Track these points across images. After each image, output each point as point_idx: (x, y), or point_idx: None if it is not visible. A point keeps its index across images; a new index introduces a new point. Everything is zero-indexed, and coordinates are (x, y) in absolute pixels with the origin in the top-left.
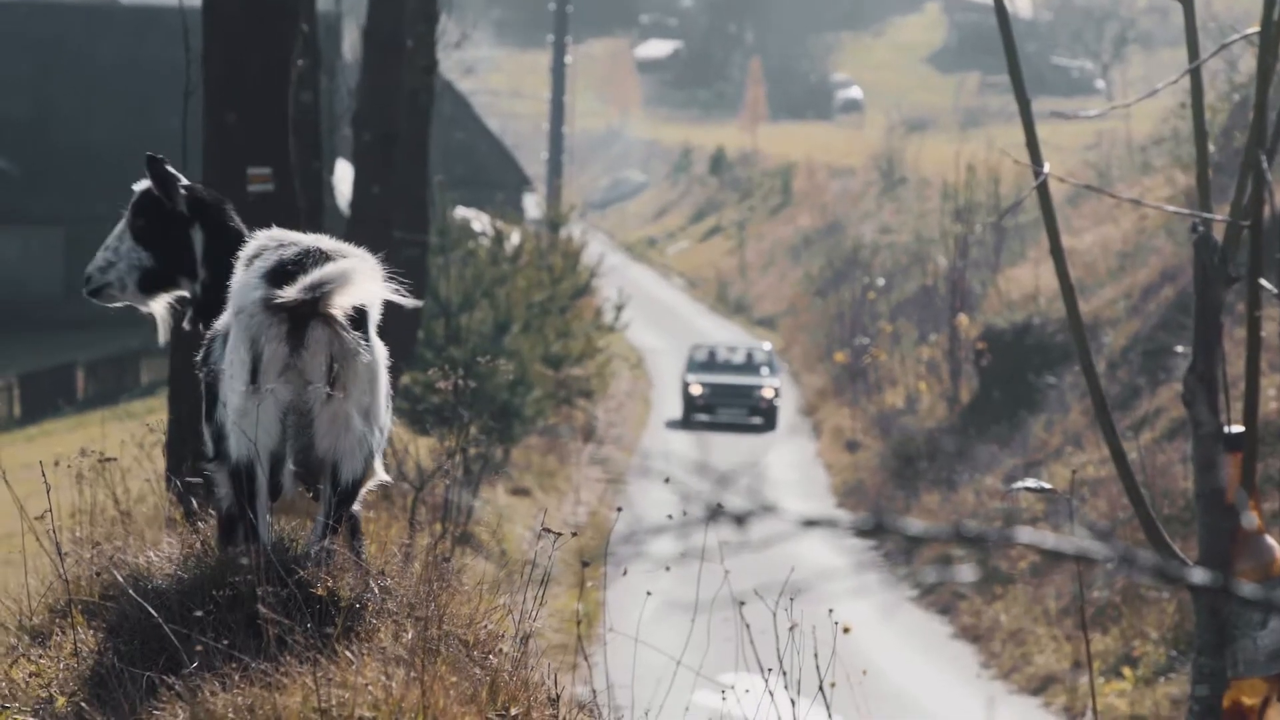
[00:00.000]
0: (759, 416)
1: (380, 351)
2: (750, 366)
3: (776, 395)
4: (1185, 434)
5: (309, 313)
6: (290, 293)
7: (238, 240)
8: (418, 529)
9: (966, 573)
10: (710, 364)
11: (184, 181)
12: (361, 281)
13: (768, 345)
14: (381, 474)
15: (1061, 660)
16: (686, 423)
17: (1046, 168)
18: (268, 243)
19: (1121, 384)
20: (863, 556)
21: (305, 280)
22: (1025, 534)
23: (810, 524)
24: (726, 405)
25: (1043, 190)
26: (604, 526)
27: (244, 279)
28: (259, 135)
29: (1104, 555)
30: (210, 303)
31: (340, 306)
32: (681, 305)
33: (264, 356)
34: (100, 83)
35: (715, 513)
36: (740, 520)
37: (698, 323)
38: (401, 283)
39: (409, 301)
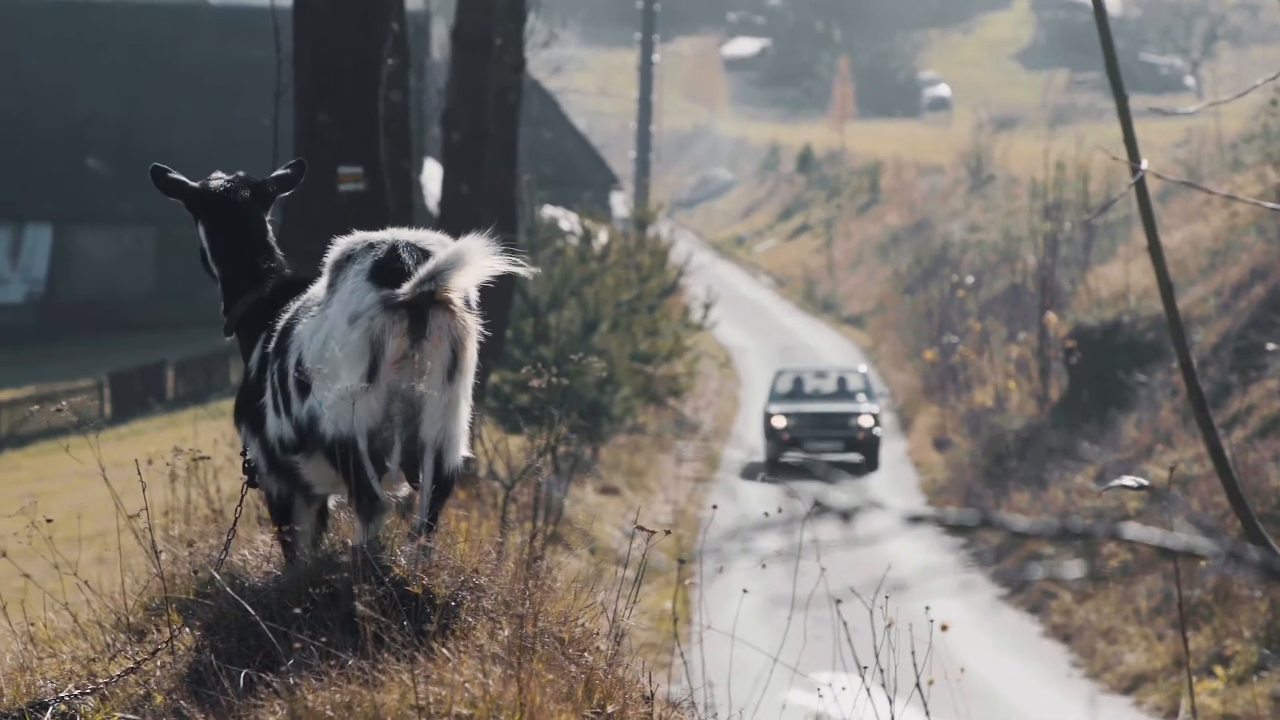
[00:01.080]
0: (856, 451)
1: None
2: (843, 393)
3: (876, 424)
4: (1278, 432)
5: (427, 303)
6: (408, 288)
7: (247, 233)
8: (509, 527)
9: (1074, 569)
10: (796, 393)
11: (217, 176)
12: (474, 260)
13: (863, 368)
14: (465, 451)
15: (1153, 660)
16: (772, 467)
17: (1145, 164)
18: (352, 246)
19: (1212, 382)
20: (952, 556)
21: (420, 273)
22: (1132, 529)
23: (915, 520)
24: (817, 438)
25: (1140, 187)
26: (694, 524)
27: (349, 285)
28: (350, 134)
29: (1211, 551)
30: (226, 295)
31: (458, 290)
32: (769, 303)
33: (385, 354)
34: (188, 82)
35: (819, 508)
36: (845, 516)
37: (785, 321)
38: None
39: (525, 269)
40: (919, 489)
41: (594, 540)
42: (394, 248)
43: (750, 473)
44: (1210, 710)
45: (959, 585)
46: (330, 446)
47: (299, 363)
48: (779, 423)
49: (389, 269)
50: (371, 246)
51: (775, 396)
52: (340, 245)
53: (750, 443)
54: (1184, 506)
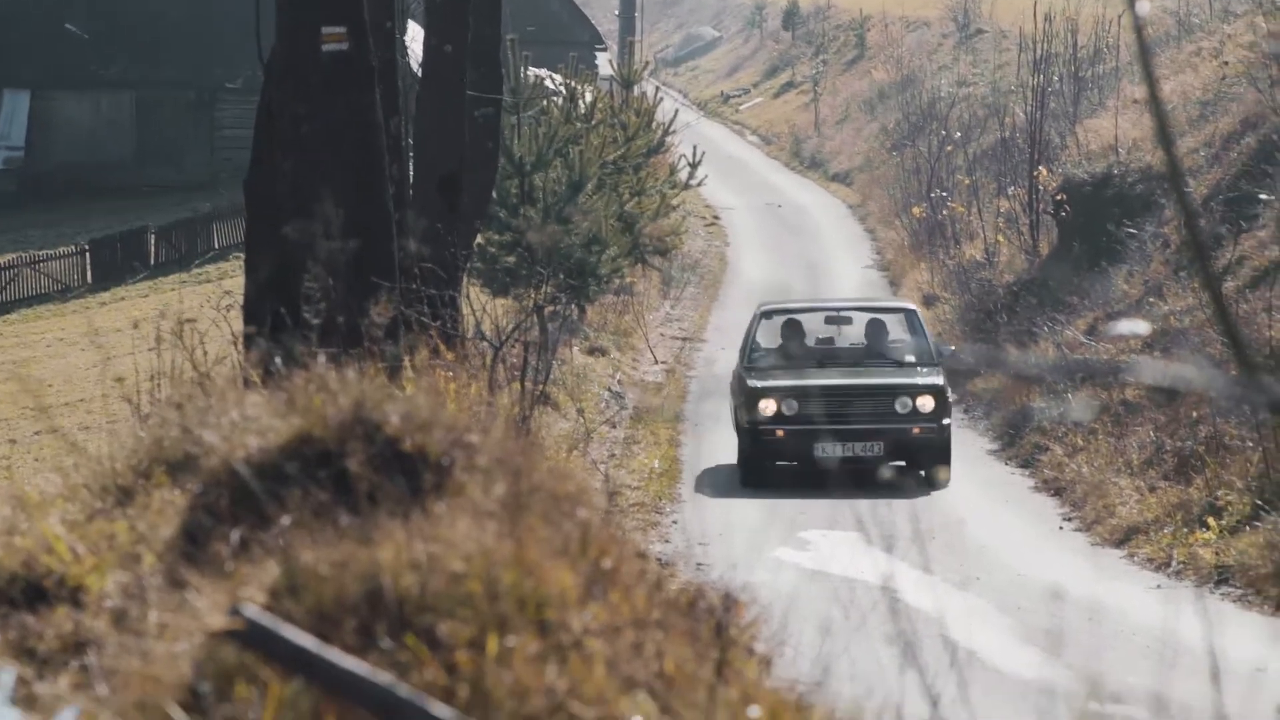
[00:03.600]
0: (907, 458)
1: None
2: (881, 352)
3: (942, 408)
4: (1269, 282)
5: None
6: None
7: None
8: (497, 388)
9: (1082, 410)
10: (796, 352)
11: None
12: None
13: (910, 303)
14: None
15: (1145, 512)
16: (758, 475)
17: (1145, 5)
18: None
19: (1203, 233)
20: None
21: None
22: (1146, 366)
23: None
24: (838, 437)
25: (1139, 33)
26: (682, 384)
27: None
28: None
29: (1222, 386)
30: None
31: None
32: (756, 161)
33: None
34: None
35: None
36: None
37: (772, 178)
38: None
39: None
40: None
41: (582, 400)
42: None
43: (722, 484)
44: (1203, 561)
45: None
46: None
47: None
48: (767, 408)
49: None
50: None
51: (759, 358)
52: None
53: (732, 322)
54: (1192, 347)
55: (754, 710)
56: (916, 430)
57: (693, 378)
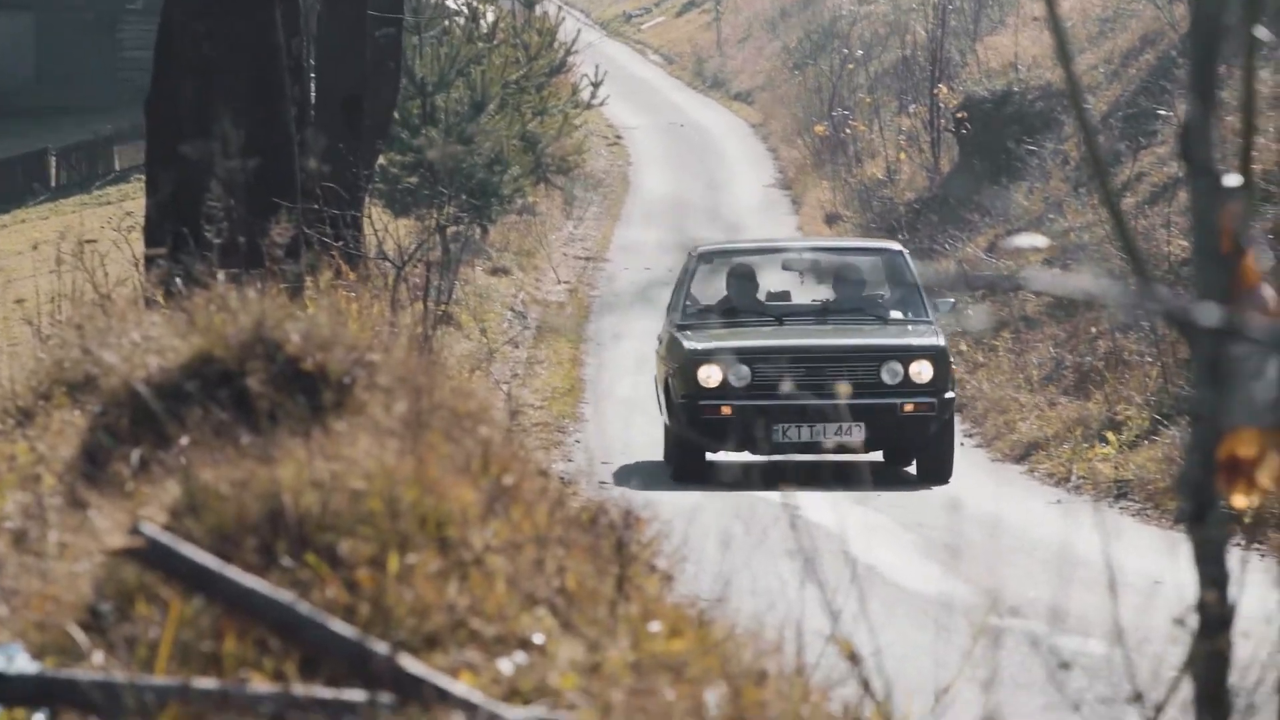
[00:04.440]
0: (893, 445)
1: None
2: (860, 308)
3: (940, 374)
4: (1167, 198)
5: None
6: None
7: None
8: (399, 308)
9: (980, 319)
10: (746, 307)
11: None
12: None
13: (896, 245)
14: None
15: (1045, 428)
16: (690, 471)
17: None
18: None
19: (1103, 150)
20: None
21: None
22: (1042, 277)
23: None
24: (806, 417)
25: None
26: (585, 304)
27: None
28: None
29: (1121, 295)
30: None
31: None
32: (658, 81)
33: None
34: None
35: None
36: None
37: (674, 98)
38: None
39: None
40: None
41: (484, 320)
42: None
43: (650, 478)
44: (1102, 475)
45: None
46: None
47: None
48: (709, 378)
49: None
50: None
51: (696, 314)
52: None
53: (635, 241)
54: (1092, 262)
55: (655, 626)
56: (910, 407)
57: (595, 297)
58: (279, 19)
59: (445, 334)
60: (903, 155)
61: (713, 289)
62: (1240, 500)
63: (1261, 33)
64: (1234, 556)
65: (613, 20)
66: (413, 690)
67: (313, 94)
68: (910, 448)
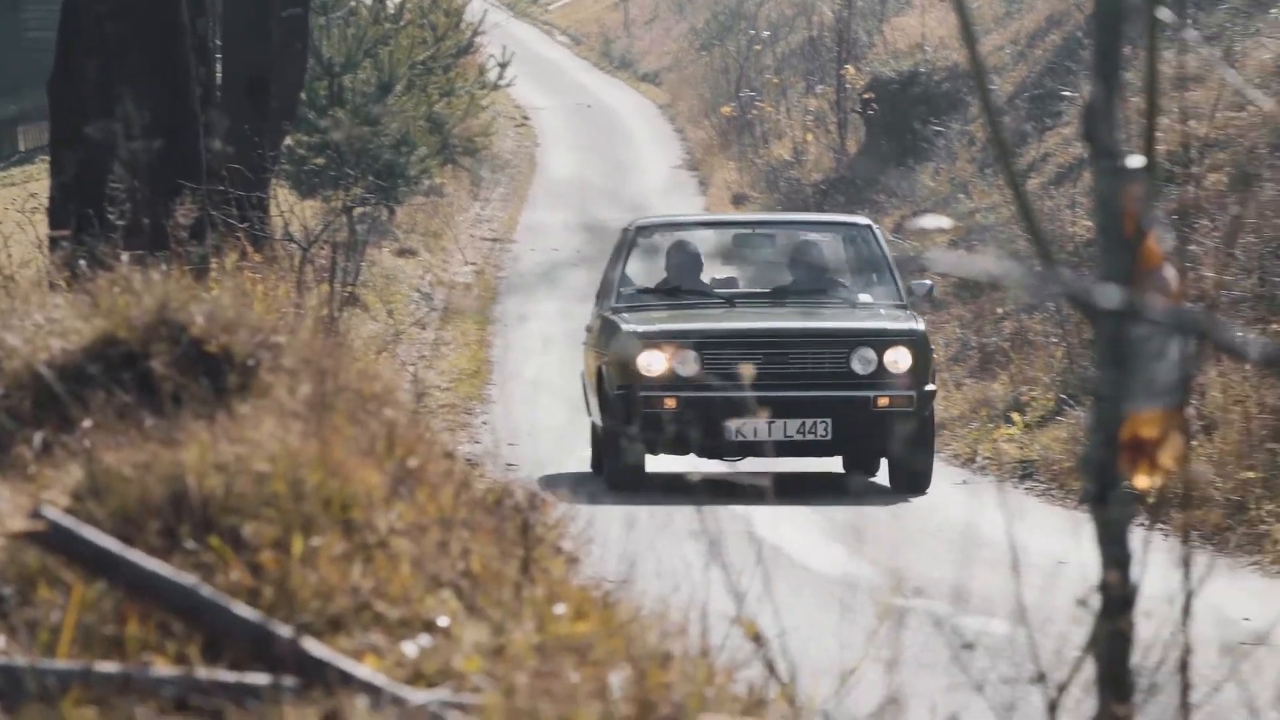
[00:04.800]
0: (867, 442)
1: None
2: (819, 280)
3: (919, 364)
4: (1072, 179)
5: None
6: None
7: None
8: (305, 290)
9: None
10: (687, 280)
11: None
12: None
13: (863, 219)
14: None
15: (950, 408)
16: (624, 480)
17: None
18: None
19: (1009, 130)
20: None
21: None
22: (947, 258)
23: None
24: (764, 411)
25: None
26: (492, 286)
27: None
28: None
29: (1023, 276)
30: None
31: None
32: (566, 62)
33: None
34: None
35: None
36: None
37: (582, 79)
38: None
39: None
40: None
41: (391, 302)
42: None
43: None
44: (1007, 456)
45: None
46: None
47: None
48: (652, 364)
49: None
50: None
51: (633, 296)
52: None
53: (541, 222)
54: (997, 242)
55: (560, 608)
56: (884, 401)
57: (502, 278)
58: None
59: (351, 316)
60: (809, 136)
61: (653, 267)
62: (1143, 481)
63: (1164, 14)
64: (1137, 537)
65: (520, 0)
66: (316, 673)
67: (219, 74)
68: (881, 447)
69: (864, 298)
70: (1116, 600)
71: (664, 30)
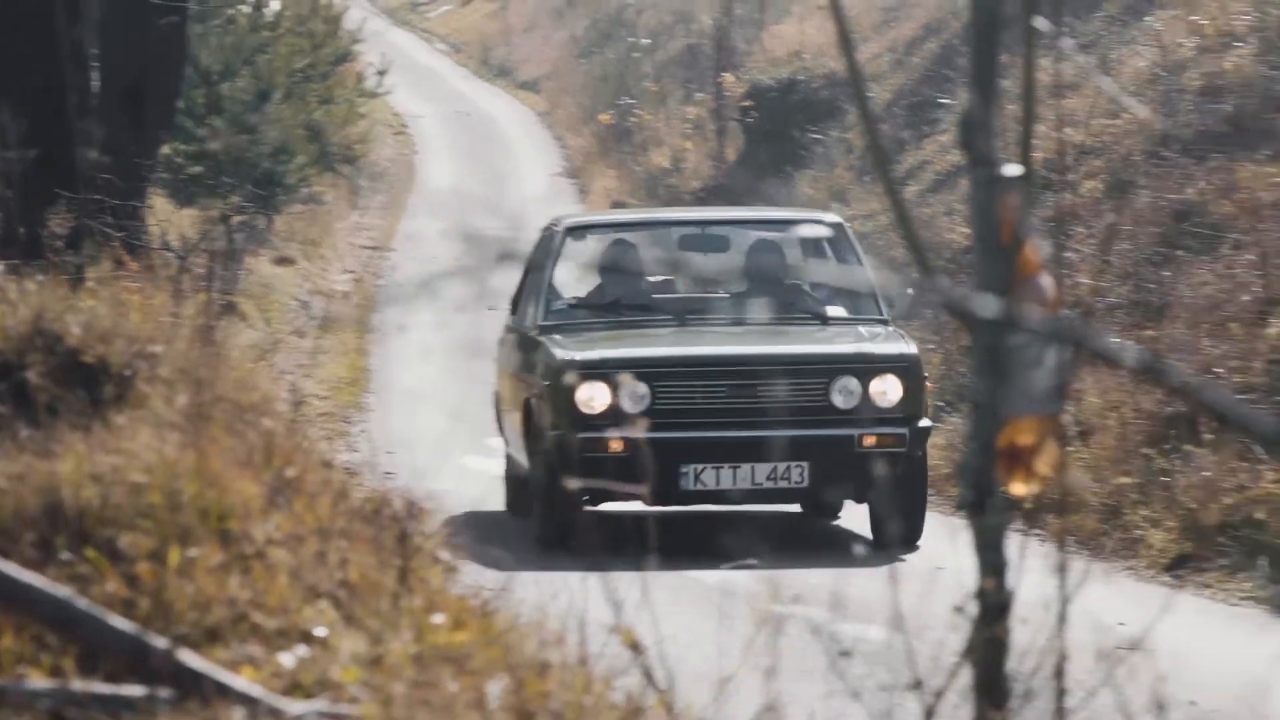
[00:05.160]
0: (852, 489)
1: None
2: (783, 291)
3: (911, 394)
4: (949, 186)
5: None
6: None
7: None
8: (182, 299)
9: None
10: (628, 291)
11: None
12: None
13: (830, 215)
14: None
15: None
16: (563, 543)
17: None
18: None
19: (887, 138)
20: None
21: None
22: (825, 268)
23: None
24: (728, 455)
25: None
26: (371, 294)
27: None
28: None
29: (901, 284)
30: None
31: None
32: (445, 69)
33: None
34: None
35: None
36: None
37: (461, 87)
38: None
39: None
40: None
41: (269, 311)
42: None
43: (494, 537)
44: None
45: None
46: None
47: None
48: (593, 399)
49: None
50: None
51: (564, 312)
52: None
53: (420, 231)
54: (874, 247)
55: (438, 617)
56: (870, 440)
57: (381, 286)
58: (59, 6)
59: (229, 325)
60: (688, 144)
61: (585, 274)
62: (1019, 488)
63: (1040, 23)
64: (1013, 543)
65: (399, 8)
66: (192, 685)
67: (95, 83)
68: (865, 496)
69: (836, 311)
70: (993, 606)
71: (543, 38)
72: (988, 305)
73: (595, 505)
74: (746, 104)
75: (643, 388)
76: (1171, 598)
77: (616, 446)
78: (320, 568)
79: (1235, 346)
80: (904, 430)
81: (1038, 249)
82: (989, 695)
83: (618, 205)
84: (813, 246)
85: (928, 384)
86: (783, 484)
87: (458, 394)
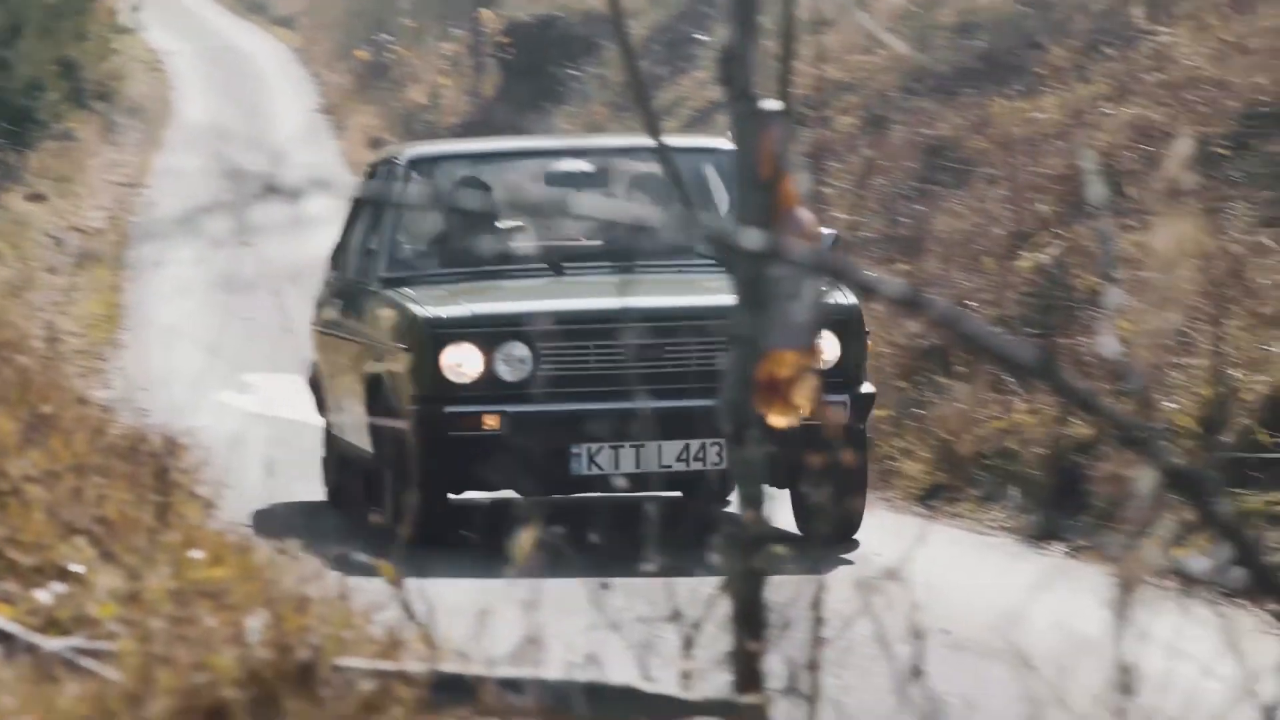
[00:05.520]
0: (780, 472)
1: None
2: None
3: (850, 353)
4: (707, 121)
5: None
6: None
7: None
8: None
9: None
10: (490, 236)
11: None
12: None
13: (719, 141)
14: None
15: None
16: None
17: None
18: None
19: (645, 74)
20: None
21: None
22: (590, 202)
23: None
24: (625, 434)
25: None
26: (125, 230)
27: None
28: None
29: (664, 220)
30: None
31: None
32: (197, 6)
33: None
34: None
35: (268, 190)
36: (295, 195)
37: (215, 23)
38: None
39: None
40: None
41: (20, 248)
42: None
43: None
44: None
45: None
46: None
47: None
48: (463, 365)
49: None
50: None
51: (409, 264)
52: None
53: (176, 167)
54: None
55: (196, 553)
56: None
57: (136, 224)
58: None
59: None
60: (446, 80)
61: (431, 216)
62: (778, 420)
63: None
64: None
65: None
66: None
67: None
68: (794, 480)
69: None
70: (750, 538)
71: None
72: (749, 238)
73: (458, 493)
74: (504, 40)
75: (523, 350)
76: (926, 528)
77: (490, 423)
78: (77, 504)
79: (988, 279)
80: (843, 397)
81: (797, 183)
82: (747, 626)
83: (376, 143)
84: (706, 177)
85: (869, 343)
86: (695, 466)
87: (215, 331)
